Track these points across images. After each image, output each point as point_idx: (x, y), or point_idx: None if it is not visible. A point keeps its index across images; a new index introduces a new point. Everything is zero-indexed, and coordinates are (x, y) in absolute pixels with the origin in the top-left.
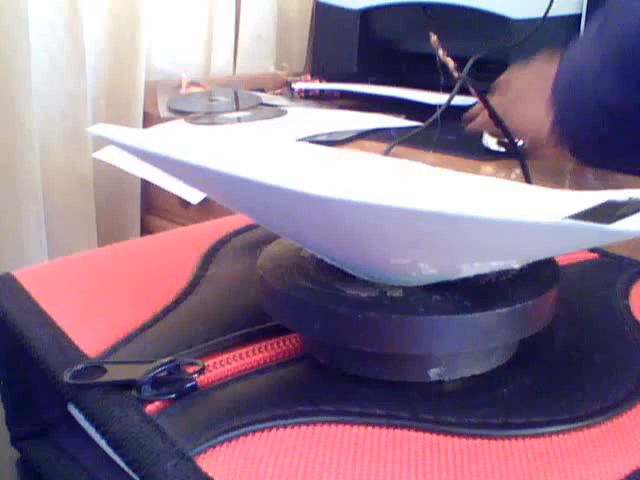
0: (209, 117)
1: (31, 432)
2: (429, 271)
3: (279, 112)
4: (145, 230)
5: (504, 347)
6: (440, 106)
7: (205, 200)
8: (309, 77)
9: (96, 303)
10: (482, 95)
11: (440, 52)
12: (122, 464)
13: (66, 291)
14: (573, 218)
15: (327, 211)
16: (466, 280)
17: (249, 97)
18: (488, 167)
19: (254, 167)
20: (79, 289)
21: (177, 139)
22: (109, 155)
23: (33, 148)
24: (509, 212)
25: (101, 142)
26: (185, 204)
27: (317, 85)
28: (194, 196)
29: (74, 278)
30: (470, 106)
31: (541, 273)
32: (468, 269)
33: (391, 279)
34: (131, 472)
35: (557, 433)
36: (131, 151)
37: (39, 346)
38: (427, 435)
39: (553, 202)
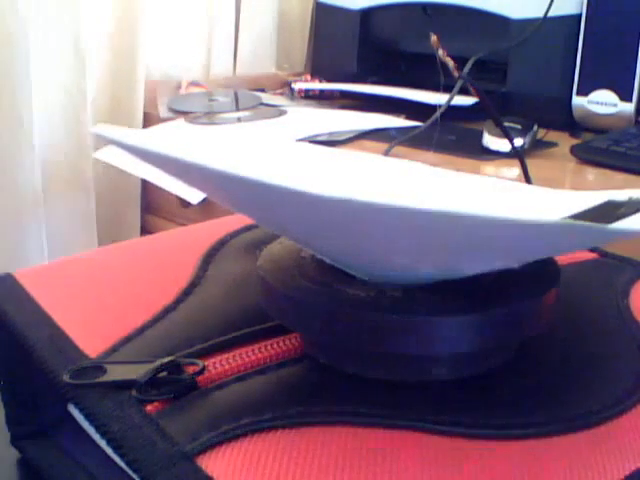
0: (209, 117)
1: (31, 432)
2: (429, 271)
3: (279, 112)
4: (145, 230)
5: (504, 347)
6: (440, 106)
7: (205, 200)
8: (309, 77)
9: (96, 303)
10: (482, 95)
11: (440, 52)
12: (122, 464)
13: (66, 291)
14: (573, 218)
15: (327, 211)
16: (466, 280)
17: (249, 97)
18: (488, 167)
19: (254, 167)
20: (79, 289)
21: (177, 139)
22: (109, 155)
23: (33, 148)
24: (510, 212)
25: (101, 142)
26: (185, 204)
27: (317, 85)
28: (194, 196)
29: (74, 278)
30: (470, 106)
31: (541, 273)
32: (468, 269)
33: (391, 279)
34: (131, 472)
35: (557, 434)
36: (131, 151)
37: (39, 346)
38: (427, 436)
39: (553, 202)
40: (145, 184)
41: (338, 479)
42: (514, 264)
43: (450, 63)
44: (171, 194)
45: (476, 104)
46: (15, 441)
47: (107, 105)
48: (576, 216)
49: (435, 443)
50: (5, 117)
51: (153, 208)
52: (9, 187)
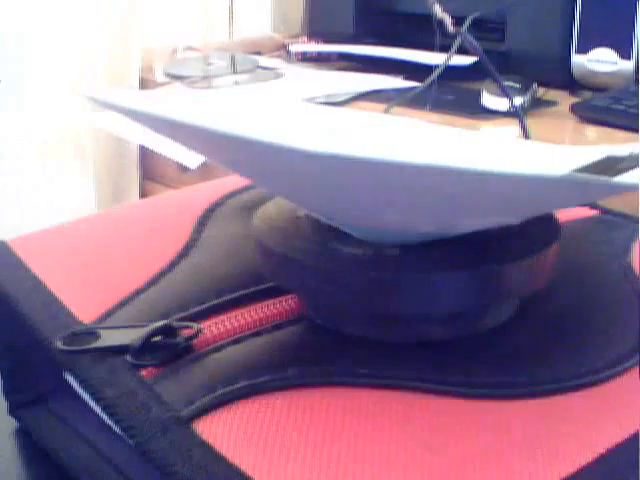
0: (206, 81)
1: (29, 400)
2: (427, 229)
3: (276, 75)
4: (144, 197)
5: (505, 305)
6: (436, 67)
7: (203, 165)
8: (306, 39)
9: (90, 269)
10: (481, 53)
11: (436, 7)
12: (118, 430)
13: (60, 257)
14: (575, 172)
15: (324, 168)
16: (465, 237)
17: (246, 60)
18: (487, 126)
19: (249, 125)
20: (73, 255)
21: (172, 100)
22: (107, 122)
23: (32, 116)
24: (511, 166)
25: (99, 109)
26: (184, 169)
27: (314, 47)
28: (192, 161)
29: (68, 244)
30: (469, 66)
31: (541, 230)
32: (468, 226)
33: (388, 237)
34: (127, 438)
35: (560, 392)
36: (126, 113)
37: (33, 313)
38: (429, 396)
39: (553, 157)
40: (143, 150)
41: (336, 441)
42: (514, 220)
43: (447, 19)
44: (170, 160)
45: (475, 64)
46: (13, 410)
47: (104, 71)
48: (577, 170)
49: (437, 404)
50: (6, 83)
51: (152, 174)
52: (7, 153)
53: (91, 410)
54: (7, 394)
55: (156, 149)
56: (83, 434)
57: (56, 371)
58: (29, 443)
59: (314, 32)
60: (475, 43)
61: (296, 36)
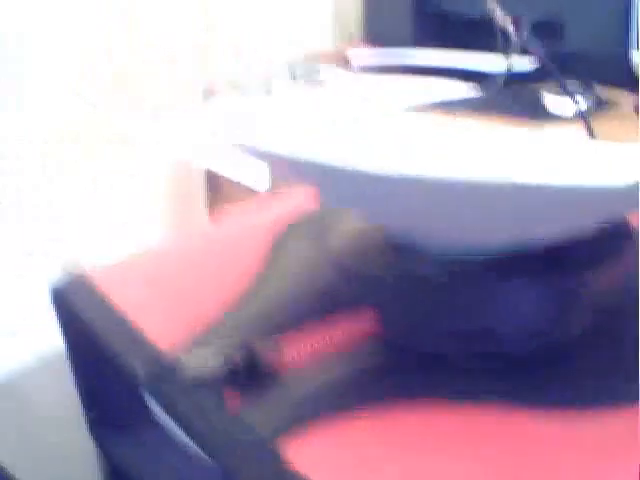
0: (267, 91)
1: (111, 428)
2: (503, 243)
3: (340, 85)
4: (212, 220)
5: (579, 317)
6: (500, 74)
7: (272, 188)
8: (366, 49)
9: (169, 297)
10: (546, 59)
11: (497, 13)
12: (204, 456)
13: (139, 287)
14: None
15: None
16: (536, 249)
17: (307, 70)
18: (551, 128)
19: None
20: (152, 285)
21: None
22: (177, 148)
23: None
24: (589, 177)
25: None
26: (252, 192)
27: (377, 60)
28: (261, 184)
29: (146, 274)
30: (531, 72)
31: (614, 241)
32: (538, 237)
33: (464, 252)
34: (213, 464)
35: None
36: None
37: (116, 345)
38: (509, 411)
39: (623, 160)
40: (210, 174)
41: (423, 459)
42: (585, 228)
43: (509, 26)
44: (237, 183)
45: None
46: (96, 438)
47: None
48: None
49: (517, 419)
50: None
51: (220, 197)
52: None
53: (171, 437)
54: (90, 421)
55: (223, 173)
56: (164, 460)
57: (138, 400)
58: (110, 468)
59: (372, 36)
60: (539, 47)
61: (356, 46)
